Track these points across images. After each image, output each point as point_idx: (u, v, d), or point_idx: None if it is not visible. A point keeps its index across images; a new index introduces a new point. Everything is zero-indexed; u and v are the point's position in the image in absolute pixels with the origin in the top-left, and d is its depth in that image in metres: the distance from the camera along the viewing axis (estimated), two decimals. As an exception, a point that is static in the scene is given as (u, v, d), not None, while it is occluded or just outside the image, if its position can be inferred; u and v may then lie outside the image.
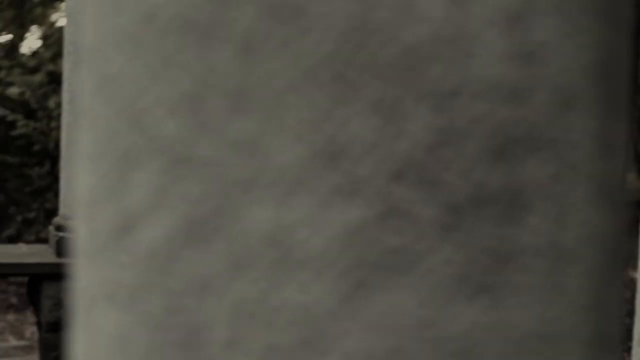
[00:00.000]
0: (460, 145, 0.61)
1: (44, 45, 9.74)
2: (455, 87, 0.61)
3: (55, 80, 8.63)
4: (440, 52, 0.60)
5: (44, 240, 6.50)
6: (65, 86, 5.34)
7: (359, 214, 0.61)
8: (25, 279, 5.58)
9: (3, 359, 6.79)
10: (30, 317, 7.58)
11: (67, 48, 5.30)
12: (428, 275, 0.61)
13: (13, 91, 9.09)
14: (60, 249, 5.20)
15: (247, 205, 0.61)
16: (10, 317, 7.95)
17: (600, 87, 0.66)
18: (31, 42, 10.00)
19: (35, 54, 9.73)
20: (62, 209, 5.34)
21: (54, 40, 9.39)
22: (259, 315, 0.61)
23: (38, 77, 9.11)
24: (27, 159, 9.13)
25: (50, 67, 9.18)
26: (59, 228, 5.26)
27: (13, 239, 8.54)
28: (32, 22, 10.09)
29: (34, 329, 6.50)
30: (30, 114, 9.05)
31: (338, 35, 0.60)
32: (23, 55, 9.82)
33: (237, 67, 0.61)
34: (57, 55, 8.74)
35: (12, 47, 9.86)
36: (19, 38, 9.99)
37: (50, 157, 8.89)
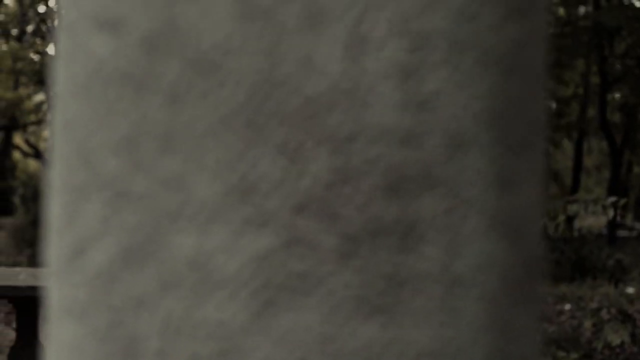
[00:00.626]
0: (356, 183, 0.70)
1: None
2: (352, 133, 0.70)
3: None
4: (337, 102, 0.69)
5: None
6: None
7: (268, 242, 0.70)
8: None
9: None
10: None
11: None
12: (329, 297, 0.70)
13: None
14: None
15: (173, 233, 0.71)
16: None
17: (493, 131, 0.74)
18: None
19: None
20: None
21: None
22: (183, 329, 0.71)
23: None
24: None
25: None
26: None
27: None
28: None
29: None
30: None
31: (248, 87, 0.69)
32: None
33: (165, 115, 0.71)
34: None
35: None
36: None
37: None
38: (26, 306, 4.25)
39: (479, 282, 0.74)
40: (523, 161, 0.77)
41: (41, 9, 15.53)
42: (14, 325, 7.86)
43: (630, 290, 8.94)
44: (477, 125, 0.73)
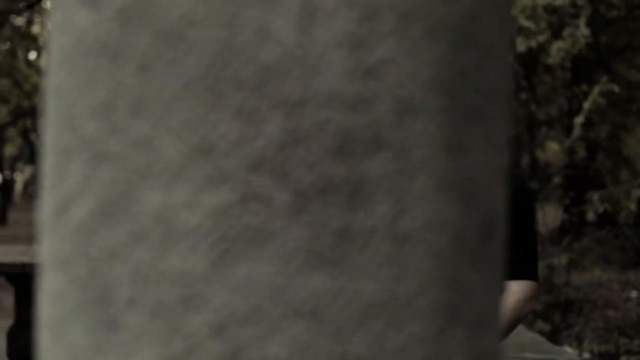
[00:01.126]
0: (307, 144, 0.76)
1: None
2: (303, 98, 0.75)
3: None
4: (290, 70, 0.75)
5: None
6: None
7: (226, 198, 0.76)
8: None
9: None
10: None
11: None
12: (281, 249, 0.76)
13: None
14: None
15: (143, 190, 0.78)
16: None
17: (443, 98, 0.79)
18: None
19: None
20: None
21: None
22: (150, 278, 0.78)
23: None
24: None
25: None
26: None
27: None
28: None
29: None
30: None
31: (209, 56, 0.76)
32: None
33: (136, 82, 0.78)
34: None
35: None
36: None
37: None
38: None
39: (426, 240, 0.79)
40: (475, 128, 0.82)
41: None
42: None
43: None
44: (425, 92, 0.78)
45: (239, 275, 0.76)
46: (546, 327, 7.65)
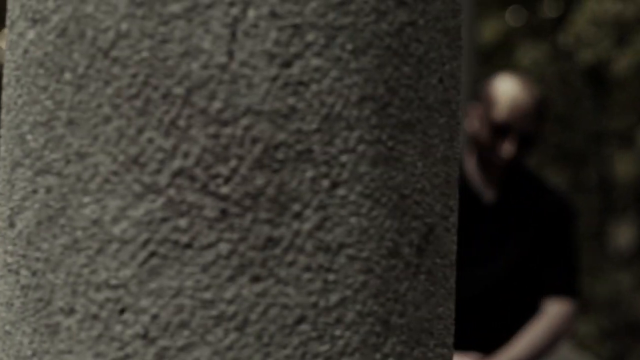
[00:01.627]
0: (236, 159, 0.78)
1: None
2: (232, 114, 0.78)
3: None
4: (217, 86, 0.78)
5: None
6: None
7: (155, 208, 0.79)
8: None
9: None
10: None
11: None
12: (207, 259, 0.78)
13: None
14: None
15: (79, 202, 0.81)
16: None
17: (370, 111, 0.81)
18: None
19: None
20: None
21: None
22: (86, 285, 0.81)
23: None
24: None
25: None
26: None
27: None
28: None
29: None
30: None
31: (140, 73, 0.79)
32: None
33: (73, 97, 0.81)
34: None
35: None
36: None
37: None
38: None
39: (353, 250, 0.81)
40: (408, 140, 0.83)
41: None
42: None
43: None
44: (352, 106, 0.80)
45: (168, 283, 0.79)
46: (606, 351, 7.48)
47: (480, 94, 2.84)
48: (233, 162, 0.78)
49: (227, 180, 0.78)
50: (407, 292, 0.84)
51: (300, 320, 0.79)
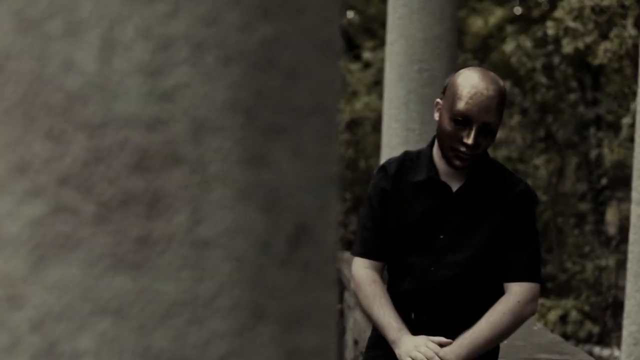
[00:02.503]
0: (108, 161, 0.85)
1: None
2: (104, 120, 0.85)
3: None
4: (92, 96, 0.85)
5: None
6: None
7: (40, 209, 0.86)
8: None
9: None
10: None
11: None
12: (88, 254, 0.86)
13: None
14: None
15: (-26, 203, 0.88)
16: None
17: (239, 117, 0.88)
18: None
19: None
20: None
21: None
22: (-18, 280, 0.88)
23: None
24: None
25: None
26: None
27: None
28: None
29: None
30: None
31: (24, 85, 0.86)
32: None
33: (-33, 107, 0.88)
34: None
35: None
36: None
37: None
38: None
39: (226, 245, 0.88)
40: (278, 143, 0.91)
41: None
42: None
43: None
44: (221, 113, 0.87)
45: (53, 277, 0.86)
46: (595, 329, 7.60)
47: (444, 88, 2.91)
48: (107, 166, 0.85)
49: (103, 182, 0.85)
50: (280, 283, 0.91)
51: (177, 311, 0.86)
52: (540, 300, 8.36)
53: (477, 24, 13.93)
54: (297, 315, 0.93)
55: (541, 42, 8.45)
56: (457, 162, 2.83)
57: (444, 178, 2.92)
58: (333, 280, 0.97)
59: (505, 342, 4.00)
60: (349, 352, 5.87)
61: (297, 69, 0.92)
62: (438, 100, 2.91)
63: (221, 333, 0.88)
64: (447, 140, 2.83)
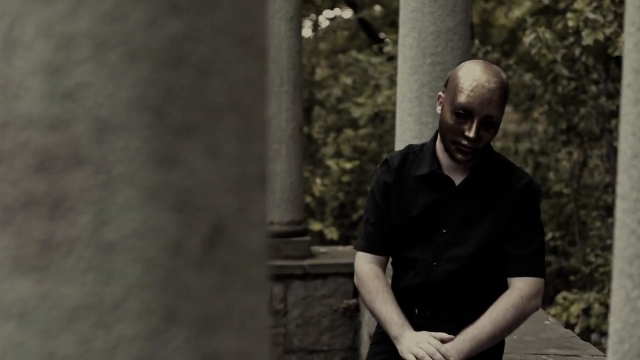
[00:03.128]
0: (9, 162, 0.83)
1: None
2: (5, 121, 0.83)
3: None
4: (-8, 95, 0.83)
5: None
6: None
7: (-57, 212, 0.85)
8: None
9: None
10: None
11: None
12: (-9, 258, 0.84)
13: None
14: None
15: None
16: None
17: (146, 115, 0.86)
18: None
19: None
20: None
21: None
22: None
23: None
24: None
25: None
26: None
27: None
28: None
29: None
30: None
31: None
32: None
33: None
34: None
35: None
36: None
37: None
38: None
39: (134, 247, 0.86)
40: (191, 141, 0.88)
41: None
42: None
43: None
44: (127, 111, 0.85)
45: (-43, 281, 0.84)
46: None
47: (446, 81, 2.88)
48: (9, 167, 0.84)
49: (4, 183, 0.84)
50: (195, 285, 0.89)
51: (82, 315, 0.85)
52: (563, 294, 8.29)
53: (503, 16, 13.81)
54: (215, 318, 0.91)
55: (563, 34, 8.35)
56: (459, 156, 2.80)
57: (447, 172, 2.89)
58: (258, 282, 0.95)
59: (514, 336, 3.96)
60: (365, 348, 5.85)
61: (211, 66, 0.89)
62: (440, 93, 2.87)
63: (130, 337, 0.86)
64: (448, 133, 2.79)
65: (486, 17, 14.35)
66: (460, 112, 2.75)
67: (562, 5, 9.23)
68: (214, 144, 0.90)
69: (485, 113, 2.75)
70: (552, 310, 7.86)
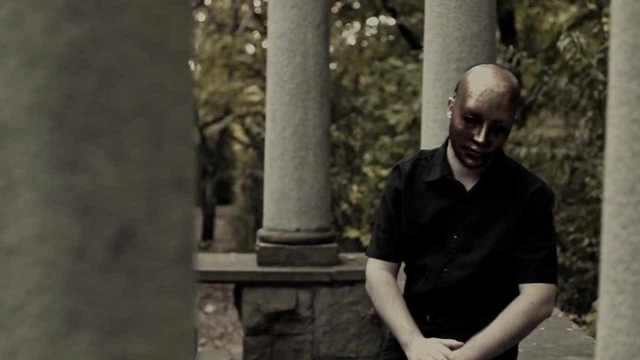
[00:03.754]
0: None
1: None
2: None
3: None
4: None
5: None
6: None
7: None
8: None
9: None
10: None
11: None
12: None
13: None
14: (262, 258, 5.61)
15: None
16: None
17: (47, 120, 0.86)
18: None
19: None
20: (266, 222, 5.76)
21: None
22: None
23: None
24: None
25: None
26: (262, 239, 5.68)
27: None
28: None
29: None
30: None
31: None
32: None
33: None
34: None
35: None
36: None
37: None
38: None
39: (34, 251, 0.86)
40: (94, 146, 0.89)
41: (256, 2, 16.18)
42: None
43: None
44: (27, 116, 0.86)
45: None
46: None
47: (457, 86, 2.86)
48: None
49: None
50: (100, 289, 0.89)
51: (-19, 316, 0.85)
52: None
53: (548, 21, 13.68)
54: (123, 322, 0.91)
55: (599, 39, 8.24)
56: (469, 161, 2.77)
57: (458, 177, 2.86)
58: (173, 286, 0.95)
59: (533, 343, 3.91)
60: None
61: (116, 71, 0.90)
62: (451, 98, 2.85)
63: (31, 340, 0.86)
64: (458, 138, 2.77)
65: (530, 23, 14.23)
66: (470, 116, 2.73)
67: (607, 10, 9.12)
68: (120, 148, 0.90)
69: (495, 118, 2.72)
70: (589, 317, 7.76)
